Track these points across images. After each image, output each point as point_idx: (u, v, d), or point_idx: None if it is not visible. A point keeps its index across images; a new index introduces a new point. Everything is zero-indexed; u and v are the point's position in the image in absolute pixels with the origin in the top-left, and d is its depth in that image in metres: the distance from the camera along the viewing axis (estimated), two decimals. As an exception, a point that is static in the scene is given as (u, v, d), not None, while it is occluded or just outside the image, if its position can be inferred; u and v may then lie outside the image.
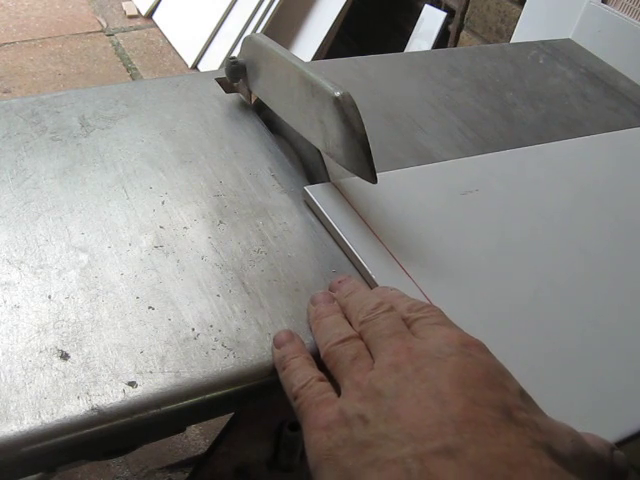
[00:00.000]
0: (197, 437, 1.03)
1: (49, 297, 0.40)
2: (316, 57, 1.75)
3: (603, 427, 0.35)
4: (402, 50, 1.68)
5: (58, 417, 0.33)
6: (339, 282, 0.42)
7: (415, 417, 0.29)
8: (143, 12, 2.11)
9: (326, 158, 0.51)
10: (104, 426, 0.34)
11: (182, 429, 0.40)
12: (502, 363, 0.33)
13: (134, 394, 0.35)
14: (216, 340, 0.39)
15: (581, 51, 0.83)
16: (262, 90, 0.57)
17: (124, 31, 2.05)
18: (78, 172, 0.50)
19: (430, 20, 1.63)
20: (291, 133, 0.56)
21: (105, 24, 2.07)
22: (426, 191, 0.53)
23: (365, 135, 0.46)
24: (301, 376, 0.35)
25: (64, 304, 0.39)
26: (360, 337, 0.36)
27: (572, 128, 0.66)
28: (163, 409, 0.35)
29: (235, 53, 0.58)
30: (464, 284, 0.45)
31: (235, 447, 0.56)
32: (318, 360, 0.37)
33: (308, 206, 0.50)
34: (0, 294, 0.39)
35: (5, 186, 0.47)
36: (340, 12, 1.74)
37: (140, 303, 0.40)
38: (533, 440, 0.28)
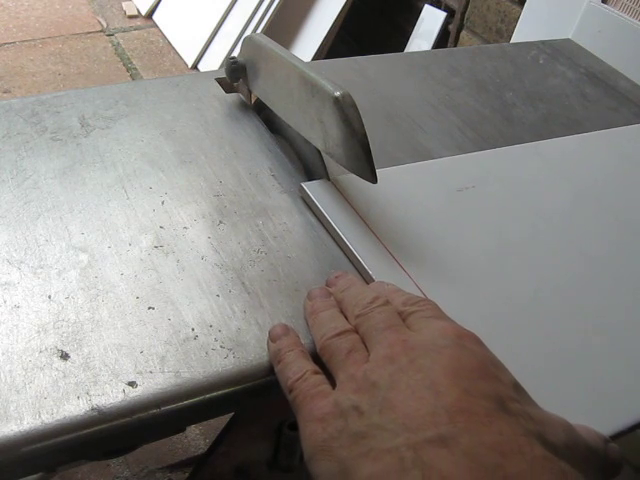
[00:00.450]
0: (197, 437, 1.03)
1: (49, 297, 0.40)
2: (316, 57, 1.75)
3: (598, 421, 0.35)
4: (402, 50, 1.68)
5: (58, 417, 0.33)
6: (336, 277, 0.42)
7: (409, 407, 0.29)
8: (143, 12, 2.11)
9: (326, 158, 0.51)
10: (104, 426, 0.34)
11: (182, 429, 0.40)
12: (504, 365, 0.33)
13: (134, 394, 0.35)
14: (216, 340, 0.39)
15: (581, 51, 0.83)
16: (262, 90, 0.57)
17: (124, 31, 2.05)
18: (78, 172, 0.50)
19: (430, 20, 1.63)
20: (291, 133, 0.56)
21: (105, 24, 2.07)
22: (422, 187, 0.53)
23: (365, 135, 0.46)
24: (296, 369, 0.36)
25: (64, 304, 0.39)
26: (356, 331, 0.37)
27: (572, 128, 0.66)
28: (163, 409, 0.35)
29: (235, 53, 0.58)
30: (461, 281, 0.45)
31: (235, 447, 0.56)
32: (315, 356, 0.37)
33: (305, 202, 0.50)
34: (0, 294, 0.39)
35: (5, 186, 0.47)
36: (340, 12, 1.74)
37: (140, 303, 0.40)
38: (526, 429, 0.29)
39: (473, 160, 0.58)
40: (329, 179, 0.51)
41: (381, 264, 0.45)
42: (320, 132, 0.48)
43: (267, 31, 1.79)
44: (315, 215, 0.49)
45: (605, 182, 0.58)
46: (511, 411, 0.29)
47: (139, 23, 2.09)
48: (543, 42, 0.83)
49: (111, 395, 0.35)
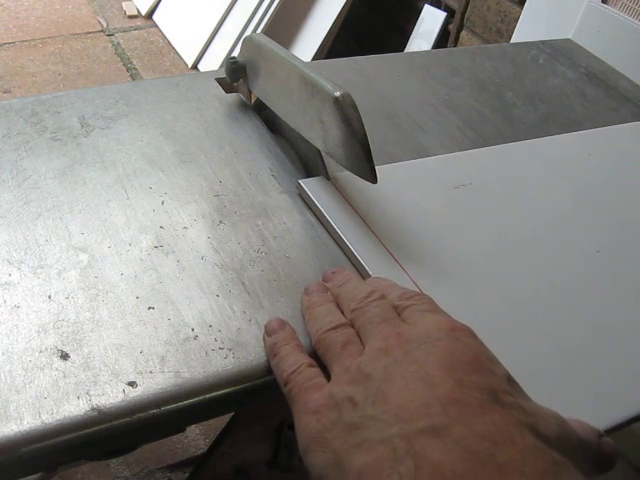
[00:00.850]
0: (197, 437, 1.03)
1: (49, 297, 0.40)
2: (316, 57, 1.75)
3: (592, 415, 0.35)
4: (402, 50, 1.68)
5: (58, 417, 0.33)
6: (332, 273, 0.43)
7: (403, 399, 0.30)
8: (143, 12, 2.11)
9: (326, 158, 0.51)
10: (104, 426, 0.34)
11: (182, 429, 0.40)
12: (498, 359, 0.34)
13: (134, 394, 0.35)
14: (216, 340, 0.39)
15: (581, 51, 0.83)
16: (262, 90, 0.57)
17: (124, 31, 2.05)
18: (78, 172, 0.50)
19: (430, 20, 1.63)
20: (291, 133, 0.56)
21: (105, 24, 2.07)
22: (419, 184, 0.53)
23: (365, 135, 0.46)
24: (291, 362, 0.36)
25: (64, 304, 0.39)
26: (351, 325, 0.37)
27: (572, 128, 0.66)
28: (163, 409, 0.35)
29: (235, 53, 0.58)
30: (459, 278, 0.45)
31: (235, 447, 0.56)
32: (313, 354, 0.37)
33: (303, 199, 0.51)
34: (0, 294, 0.39)
35: (5, 186, 0.47)
36: (340, 12, 1.74)
37: (140, 303, 0.40)
38: (518, 420, 0.29)
39: (470, 157, 0.58)
40: (329, 179, 0.51)
41: (378, 261, 0.45)
42: (320, 132, 0.48)
43: (267, 31, 1.79)
44: (313, 212, 0.49)
45: (602, 180, 0.58)
46: (504, 403, 0.30)
47: (139, 23, 2.09)
48: (543, 42, 0.83)
49: (111, 395, 0.35)
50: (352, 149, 0.46)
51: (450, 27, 1.58)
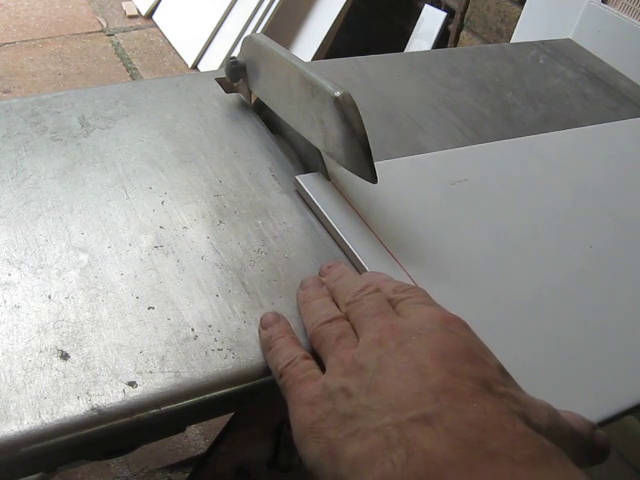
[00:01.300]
0: (197, 437, 1.03)
1: (49, 297, 0.40)
2: (316, 57, 1.75)
3: (585, 408, 0.36)
4: (402, 50, 1.68)
5: (58, 417, 0.33)
6: (328, 267, 0.43)
7: (396, 389, 0.30)
8: (143, 12, 2.11)
9: (326, 158, 0.51)
10: (104, 426, 0.34)
11: (182, 429, 0.40)
12: (491, 350, 0.34)
13: (134, 394, 0.35)
14: (216, 340, 0.39)
15: (581, 51, 0.83)
16: (262, 90, 0.57)
17: (124, 31, 2.05)
18: (78, 172, 0.50)
19: (430, 20, 1.63)
20: (291, 133, 0.56)
21: (105, 24, 2.07)
22: (416, 180, 0.53)
23: (365, 135, 0.46)
24: (286, 354, 0.36)
25: (64, 304, 0.39)
26: (346, 318, 0.37)
27: (572, 128, 0.66)
28: (163, 409, 0.35)
29: (235, 53, 0.58)
30: (453, 273, 0.45)
31: (235, 447, 0.56)
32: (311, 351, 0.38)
33: (300, 195, 0.51)
34: (0, 294, 0.39)
35: (5, 186, 0.47)
36: (340, 12, 1.74)
37: (140, 303, 0.40)
38: (509, 408, 0.29)
39: (466, 154, 0.58)
40: (329, 179, 0.51)
41: (376, 258, 0.45)
42: (320, 132, 0.48)
43: (267, 31, 1.79)
44: (310, 208, 0.50)
45: (599, 176, 0.58)
46: (496, 392, 0.30)
47: (139, 23, 2.10)
48: (543, 42, 0.83)
49: (111, 395, 0.35)
50: (352, 149, 0.46)
51: (450, 27, 1.58)
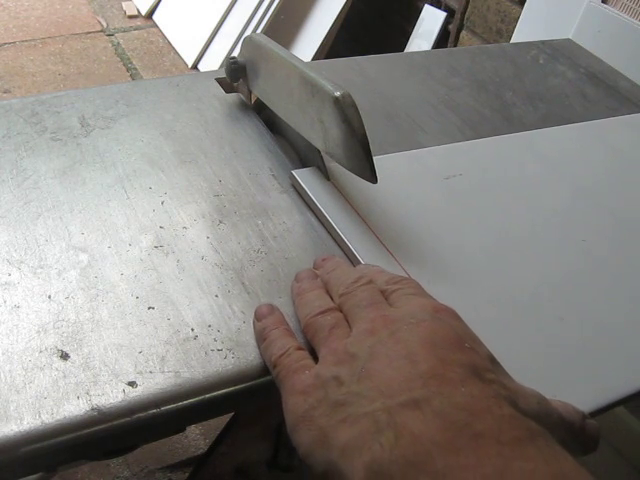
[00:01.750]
0: (197, 437, 1.03)
1: (49, 297, 0.40)
2: (316, 57, 1.75)
3: (578, 399, 0.36)
4: (402, 50, 1.68)
5: (58, 417, 0.33)
6: (323, 260, 0.43)
7: (386, 376, 0.30)
8: (143, 12, 2.11)
9: (326, 158, 0.51)
10: (104, 426, 0.34)
11: (182, 429, 0.40)
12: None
13: (134, 394, 0.35)
14: (216, 340, 0.39)
15: (581, 51, 0.83)
16: (262, 90, 0.57)
17: (124, 31, 2.05)
18: (78, 172, 0.50)
19: (430, 20, 1.63)
20: (291, 133, 0.56)
21: (105, 24, 2.07)
22: (411, 175, 0.54)
23: (365, 135, 0.46)
24: (280, 345, 0.36)
25: (64, 304, 0.39)
26: (339, 309, 0.38)
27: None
28: (163, 409, 0.35)
29: (235, 53, 0.58)
30: (451, 270, 0.46)
31: (235, 447, 0.56)
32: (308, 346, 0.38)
33: (296, 189, 0.51)
34: (0, 294, 0.39)
35: (5, 186, 0.47)
36: (340, 12, 1.74)
37: (140, 303, 0.40)
38: (497, 392, 0.30)
39: (460, 149, 0.59)
40: (329, 179, 0.51)
41: (370, 250, 0.45)
42: (320, 132, 0.48)
43: (267, 31, 1.79)
44: (309, 206, 0.50)
45: (596, 172, 0.59)
46: (485, 379, 0.30)
47: (139, 23, 2.10)
48: (543, 42, 0.83)
49: (111, 395, 0.35)
50: (352, 149, 0.46)
51: (450, 27, 1.58)
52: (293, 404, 0.33)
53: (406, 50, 1.67)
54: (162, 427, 0.37)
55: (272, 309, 0.40)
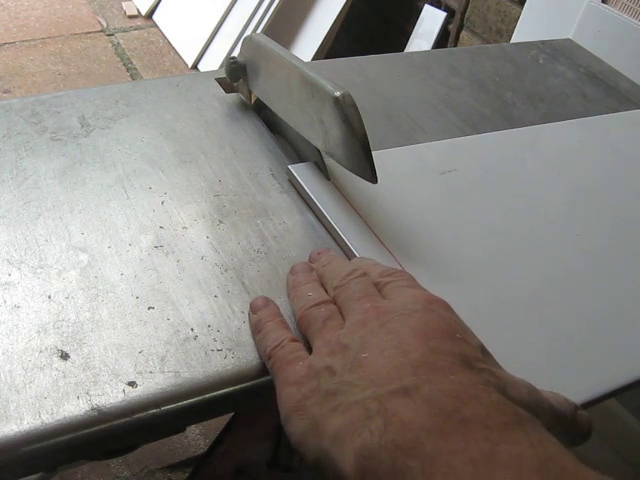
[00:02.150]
0: (197, 437, 1.03)
1: (49, 297, 0.40)
2: (316, 57, 1.75)
3: (571, 389, 0.37)
4: (402, 50, 1.68)
5: (58, 417, 0.33)
6: (318, 254, 0.44)
7: (377, 365, 0.31)
8: (143, 12, 2.11)
9: (326, 158, 0.51)
10: (104, 426, 0.34)
11: (182, 429, 0.40)
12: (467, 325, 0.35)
13: (134, 394, 0.35)
14: (215, 340, 0.39)
15: (581, 51, 0.83)
16: (262, 90, 0.57)
17: (124, 31, 2.05)
18: (78, 172, 0.50)
19: (430, 20, 1.63)
20: (291, 133, 0.56)
21: (105, 24, 2.07)
22: (406, 170, 0.54)
23: (365, 135, 0.46)
24: (274, 337, 0.37)
25: (64, 304, 0.39)
26: (333, 302, 0.38)
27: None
28: (163, 409, 0.35)
29: (235, 53, 0.58)
30: (450, 268, 0.46)
31: (235, 447, 0.56)
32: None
33: (292, 184, 0.52)
34: (0, 294, 0.39)
35: (5, 186, 0.47)
36: (340, 12, 1.74)
37: (140, 303, 0.40)
38: (485, 380, 0.30)
39: (458, 144, 0.59)
40: (329, 179, 0.51)
41: (365, 243, 0.46)
42: (320, 132, 0.48)
43: (267, 31, 1.79)
44: (303, 199, 0.50)
45: (593, 168, 0.59)
46: (475, 368, 0.31)
47: (139, 23, 2.10)
48: (543, 42, 0.83)
49: (111, 395, 0.35)
50: (352, 149, 0.46)
51: (450, 27, 1.58)
52: (286, 395, 0.33)
53: (406, 50, 1.67)
54: (162, 427, 0.37)
55: (267, 302, 0.40)
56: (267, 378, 0.38)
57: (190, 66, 1.90)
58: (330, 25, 1.75)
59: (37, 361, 0.36)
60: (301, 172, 0.51)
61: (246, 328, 0.40)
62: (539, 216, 0.52)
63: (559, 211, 0.53)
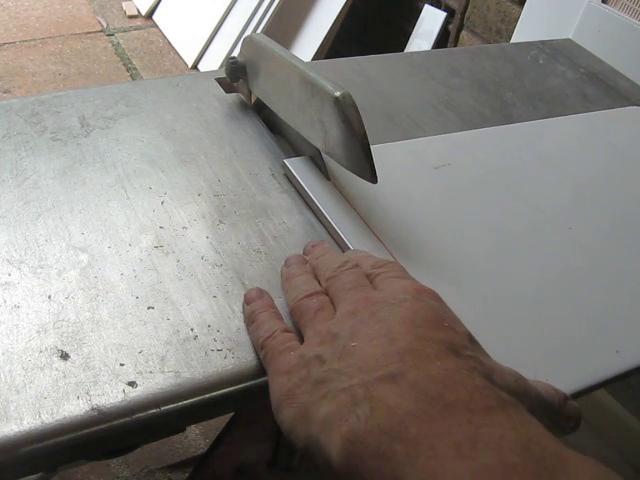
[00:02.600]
0: (197, 437, 1.03)
1: (49, 297, 0.40)
2: (316, 57, 1.75)
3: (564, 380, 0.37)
4: (402, 50, 1.68)
5: (58, 417, 0.33)
6: (312, 247, 0.44)
7: (365, 353, 0.31)
8: (143, 12, 2.11)
9: (326, 158, 0.51)
10: (104, 426, 0.34)
11: (182, 429, 0.40)
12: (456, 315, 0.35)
13: (134, 394, 0.35)
14: (215, 340, 0.39)
15: (581, 51, 0.83)
16: (262, 90, 0.57)
17: (124, 31, 2.05)
18: (78, 172, 0.50)
19: (430, 20, 1.63)
20: (291, 133, 0.56)
21: (105, 24, 2.07)
22: (401, 165, 0.55)
23: (365, 135, 0.46)
24: (267, 327, 0.37)
25: (64, 304, 0.39)
26: (326, 293, 0.38)
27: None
28: (163, 409, 0.35)
29: (235, 53, 0.58)
30: (449, 267, 0.46)
31: (235, 447, 0.56)
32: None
33: (288, 179, 0.52)
34: (0, 294, 0.39)
35: (5, 186, 0.47)
36: (340, 12, 1.74)
37: (140, 303, 0.40)
38: (470, 366, 0.30)
39: (449, 140, 0.60)
40: (329, 179, 0.51)
41: (362, 242, 0.46)
42: (320, 132, 0.48)
43: (267, 31, 1.79)
44: (296, 189, 0.51)
45: (588, 162, 0.60)
46: (462, 355, 0.31)
47: (139, 23, 2.10)
48: (543, 42, 0.83)
49: (111, 395, 0.35)
50: (352, 149, 0.46)
51: (450, 27, 1.58)
52: (278, 384, 0.34)
53: (406, 50, 1.67)
54: (162, 427, 0.37)
55: (261, 293, 0.41)
56: (267, 378, 0.38)
57: (190, 66, 1.90)
58: (330, 25, 1.75)
59: (37, 361, 0.36)
60: (296, 166, 0.52)
61: (246, 328, 0.40)
62: (536, 211, 0.52)
63: (555, 205, 0.53)
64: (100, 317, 0.39)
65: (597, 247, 0.50)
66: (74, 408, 0.34)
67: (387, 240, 0.46)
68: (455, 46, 1.56)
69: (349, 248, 0.45)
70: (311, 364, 0.33)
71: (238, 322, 0.40)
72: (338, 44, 1.83)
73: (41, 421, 0.33)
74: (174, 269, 0.43)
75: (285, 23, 1.83)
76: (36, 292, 0.40)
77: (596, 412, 0.89)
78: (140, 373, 0.36)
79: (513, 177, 0.56)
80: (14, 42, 1.92)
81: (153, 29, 2.07)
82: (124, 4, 2.14)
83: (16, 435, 0.33)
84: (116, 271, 0.42)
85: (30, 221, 0.45)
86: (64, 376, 0.35)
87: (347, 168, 0.48)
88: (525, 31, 1.24)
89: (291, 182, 0.52)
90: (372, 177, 0.47)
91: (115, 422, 0.34)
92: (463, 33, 1.55)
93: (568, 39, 0.86)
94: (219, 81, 0.63)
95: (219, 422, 0.52)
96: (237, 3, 1.88)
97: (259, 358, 0.38)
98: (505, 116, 0.67)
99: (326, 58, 1.75)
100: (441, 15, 1.60)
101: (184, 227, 0.46)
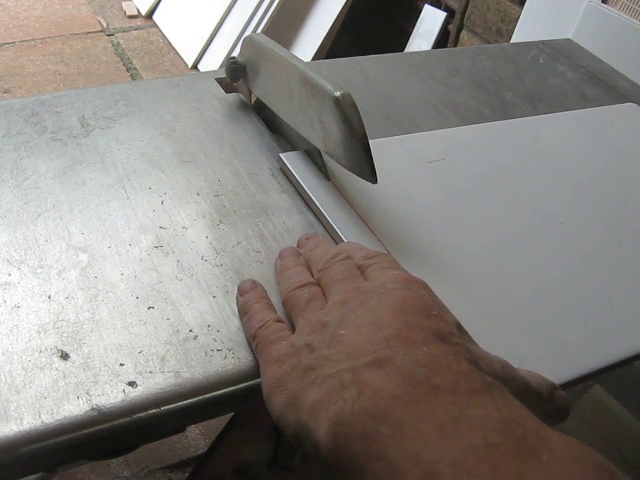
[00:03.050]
0: (197, 437, 1.03)
1: (49, 297, 0.40)
2: (316, 57, 1.75)
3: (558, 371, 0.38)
4: (402, 50, 1.68)
5: (58, 417, 0.33)
6: (306, 239, 0.45)
7: (353, 340, 0.32)
8: (143, 12, 2.11)
9: (326, 158, 0.51)
10: (104, 426, 0.34)
11: (182, 429, 0.40)
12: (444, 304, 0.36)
13: (134, 394, 0.35)
14: (215, 340, 0.39)
15: (581, 51, 0.83)
16: (262, 90, 0.57)
17: (124, 31, 2.05)
18: (78, 172, 0.50)
19: (430, 20, 1.63)
20: (291, 133, 0.56)
21: (105, 24, 2.07)
22: (396, 160, 0.55)
23: (365, 135, 0.46)
24: (259, 318, 0.38)
25: (64, 304, 0.39)
26: (318, 284, 0.39)
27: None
28: (163, 409, 0.35)
29: (235, 53, 0.58)
30: (448, 265, 0.46)
31: (235, 447, 0.56)
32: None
33: (284, 173, 0.52)
34: (0, 294, 0.39)
35: (5, 186, 0.47)
36: (340, 12, 1.74)
37: (140, 303, 0.40)
38: (456, 351, 0.31)
39: (445, 135, 0.60)
40: (329, 179, 0.52)
41: (356, 235, 0.46)
42: (320, 132, 0.48)
43: (267, 31, 1.79)
44: (294, 186, 0.51)
45: (583, 158, 0.60)
46: (448, 342, 0.31)
47: (139, 23, 2.10)
48: (543, 42, 0.83)
49: (111, 395, 0.35)
50: (352, 149, 0.46)
51: (450, 27, 1.58)
52: (269, 373, 0.34)
53: (406, 50, 1.67)
54: (162, 427, 0.37)
55: (254, 284, 0.41)
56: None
57: (190, 66, 1.90)
58: (330, 25, 1.75)
59: (37, 361, 0.36)
60: (292, 160, 0.52)
61: (246, 328, 0.40)
62: (533, 208, 0.53)
63: (552, 202, 0.54)
64: (100, 317, 0.39)
65: (594, 243, 0.50)
66: (74, 408, 0.34)
67: (387, 240, 0.47)
68: (455, 46, 1.56)
69: (343, 241, 0.46)
70: (301, 352, 0.33)
71: (238, 322, 0.40)
72: (338, 44, 1.83)
73: (41, 421, 0.33)
74: (174, 269, 0.43)
75: (285, 23, 1.83)
76: (36, 292, 0.40)
77: (596, 412, 0.89)
78: (140, 373, 0.36)
79: (511, 174, 0.56)
80: (14, 42, 1.92)
81: (153, 29, 2.07)
82: (124, 4, 2.14)
83: (16, 435, 0.33)
84: (116, 271, 0.42)
85: (30, 221, 0.45)
86: (64, 376, 0.35)
87: (347, 168, 0.48)
88: (525, 31, 1.24)
89: (289, 179, 0.52)
90: (372, 177, 0.47)
91: (115, 422, 0.34)
92: (463, 33, 1.55)
93: (568, 39, 0.86)
94: (219, 81, 0.63)
95: (219, 422, 0.52)
96: (237, 3, 1.88)
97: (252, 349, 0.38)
98: (505, 116, 0.67)
99: (326, 58, 1.75)
100: (441, 15, 1.60)
101: (184, 227, 0.46)
